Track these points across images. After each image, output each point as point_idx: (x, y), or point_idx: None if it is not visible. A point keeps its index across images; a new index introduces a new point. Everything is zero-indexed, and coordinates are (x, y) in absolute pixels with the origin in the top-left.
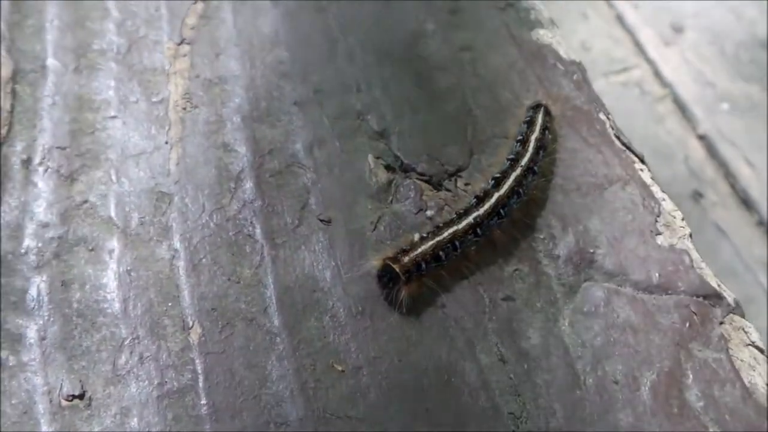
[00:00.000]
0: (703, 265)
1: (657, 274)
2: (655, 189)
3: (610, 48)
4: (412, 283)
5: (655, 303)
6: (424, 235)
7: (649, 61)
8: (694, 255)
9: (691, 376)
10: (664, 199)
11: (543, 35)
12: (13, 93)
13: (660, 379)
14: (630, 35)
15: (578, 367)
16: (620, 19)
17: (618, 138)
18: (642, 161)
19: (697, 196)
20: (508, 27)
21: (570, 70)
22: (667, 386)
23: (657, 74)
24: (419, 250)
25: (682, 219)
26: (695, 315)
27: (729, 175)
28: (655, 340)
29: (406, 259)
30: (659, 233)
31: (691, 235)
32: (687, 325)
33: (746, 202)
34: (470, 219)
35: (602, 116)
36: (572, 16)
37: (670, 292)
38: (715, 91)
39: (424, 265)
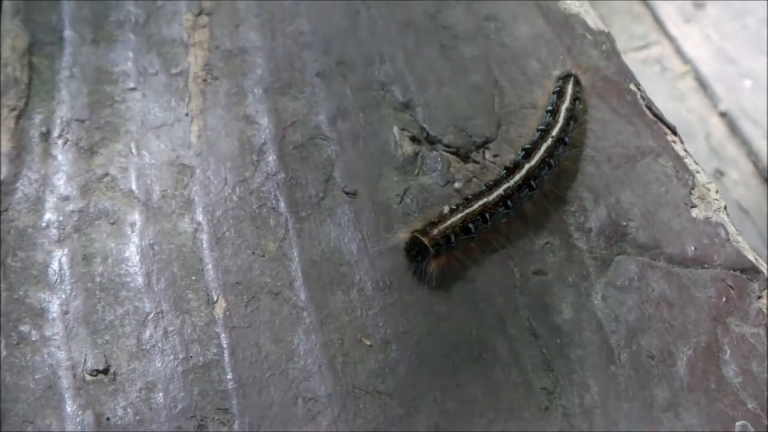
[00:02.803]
0: (739, 238)
1: (692, 248)
2: (689, 161)
3: (629, 24)
4: (441, 257)
5: (691, 277)
6: (453, 207)
7: (670, 38)
8: (730, 228)
9: (728, 351)
10: (698, 172)
11: (570, 5)
12: (30, 65)
13: (696, 354)
14: (650, 11)
15: (612, 342)
16: None
17: (649, 109)
18: (674, 132)
19: (719, 174)
20: None
21: (599, 40)
22: (704, 361)
23: (678, 51)
24: (448, 222)
25: (717, 191)
26: (732, 289)
27: (751, 153)
28: (691, 314)
29: (435, 231)
30: (694, 206)
31: (726, 208)
32: (724, 299)
33: None
34: (500, 191)
35: (633, 87)
36: None
37: (705, 265)
38: (737, 67)
39: (453, 238)
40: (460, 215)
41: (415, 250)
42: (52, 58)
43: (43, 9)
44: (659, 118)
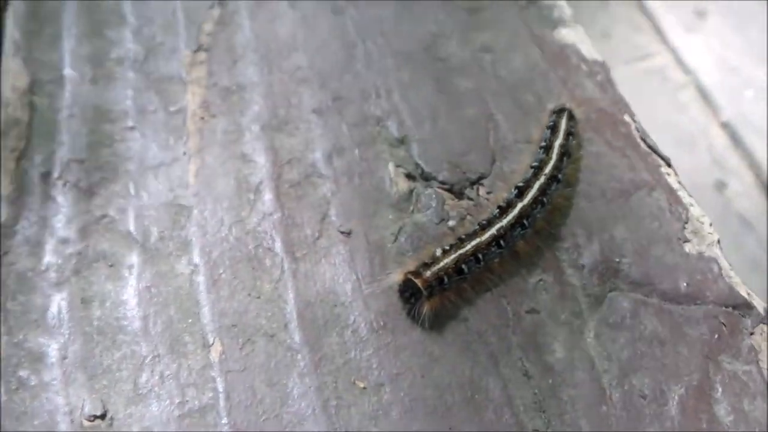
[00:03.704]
0: (732, 273)
1: (685, 284)
2: (683, 194)
3: (631, 35)
4: (434, 298)
5: (683, 314)
6: (446, 247)
7: (672, 48)
8: (723, 263)
9: (720, 389)
10: (691, 205)
11: (566, 35)
12: (31, 105)
13: (688, 392)
14: (651, 21)
15: (604, 381)
16: (642, 5)
17: (644, 140)
18: (668, 164)
19: (721, 185)
20: (530, 26)
21: (594, 71)
22: (695, 400)
23: (679, 61)
24: (441, 264)
25: (710, 225)
26: (724, 326)
27: (753, 164)
28: (683, 352)
29: (428, 273)
30: (687, 240)
31: (719, 242)
32: (716, 336)
33: None
34: (493, 230)
35: (627, 118)
36: (593, 3)
37: (698, 302)
38: (739, 77)
39: (446, 279)
40: (453, 256)
41: (409, 292)
42: (52, 97)
43: (44, 47)
44: (653, 149)
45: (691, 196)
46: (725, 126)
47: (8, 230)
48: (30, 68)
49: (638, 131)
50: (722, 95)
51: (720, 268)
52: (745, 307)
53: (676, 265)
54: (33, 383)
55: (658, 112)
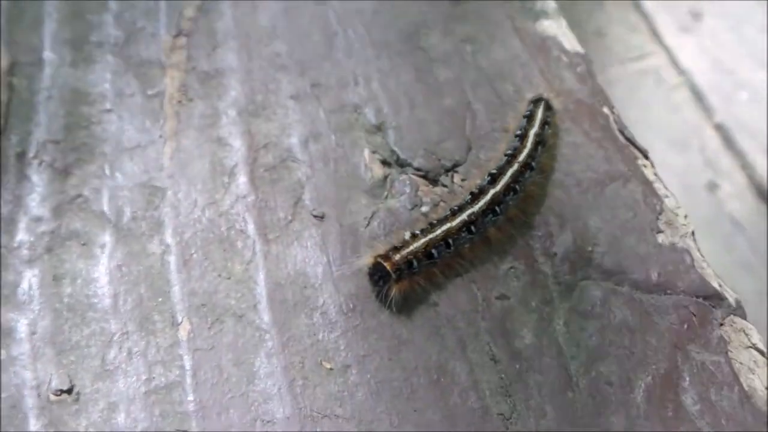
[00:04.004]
0: (704, 264)
1: (656, 274)
2: (658, 186)
3: (626, 35)
4: (403, 281)
5: (654, 303)
6: (417, 232)
7: (666, 49)
8: (696, 254)
9: (687, 378)
10: (667, 196)
11: (548, 27)
12: (10, 86)
13: (655, 381)
14: (647, 21)
15: (572, 368)
16: (637, 5)
17: (621, 132)
18: (645, 156)
19: (713, 186)
20: (512, 19)
21: (574, 62)
22: (662, 389)
23: (674, 62)
24: (411, 247)
25: (685, 217)
26: (694, 316)
27: (746, 166)
28: (651, 341)
29: (397, 257)
30: (660, 231)
31: (693, 233)
32: (685, 326)
33: (763, 194)
34: (464, 216)
35: (606, 110)
36: (588, 2)
37: (669, 292)
38: (733, 79)
39: (415, 263)
40: (422, 241)
41: (378, 275)
42: (31, 79)
43: (25, 30)
44: (631, 141)
45: (666, 188)
46: (718, 127)
47: None
48: (10, 50)
49: (616, 123)
50: (716, 97)
51: (692, 259)
52: (716, 298)
53: (648, 255)
54: (2, 357)
55: (652, 112)
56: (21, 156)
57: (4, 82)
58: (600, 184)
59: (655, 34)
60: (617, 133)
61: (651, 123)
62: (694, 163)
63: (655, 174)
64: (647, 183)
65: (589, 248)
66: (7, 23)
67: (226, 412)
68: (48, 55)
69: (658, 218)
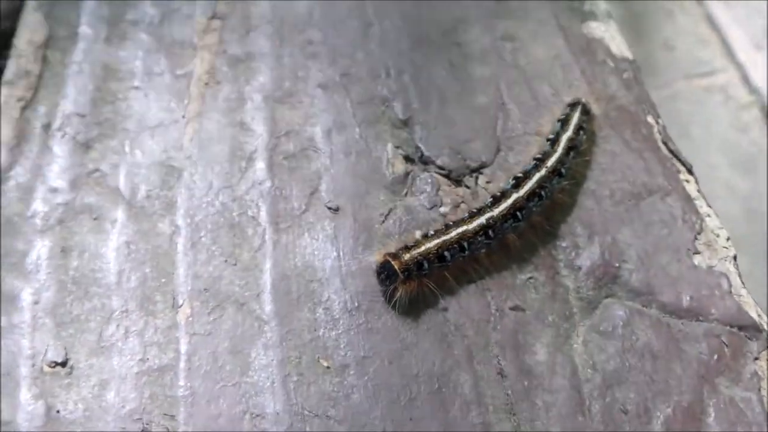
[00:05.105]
0: (743, 292)
1: (688, 297)
2: (700, 203)
3: (695, 48)
4: (411, 282)
5: (682, 329)
6: (431, 232)
7: (738, 65)
8: (735, 280)
9: (712, 414)
10: (708, 215)
11: (595, 28)
12: (44, 58)
13: (676, 413)
14: (719, 36)
15: (585, 390)
16: (709, 19)
17: (665, 144)
18: (690, 172)
19: None
20: (558, 17)
21: (620, 68)
22: (683, 422)
23: (745, 79)
24: (422, 248)
25: (728, 239)
26: (726, 346)
27: None
28: (676, 369)
29: (406, 256)
30: (697, 252)
31: (735, 258)
32: (715, 357)
33: None
34: (482, 220)
35: (650, 119)
36: (656, 13)
37: (700, 318)
38: None
39: (426, 265)
40: (435, 242)
41: (385, 274)
42: (65, 52)
43: (65, 5)
44: (675, 154)
45: (710, 206)
46: None
47: (3, 175)
48: (48, 23)
49: (661, 134)
50: None
51: (730, 285)
52: (753, 329)
53: (681, 276)
54: (2, 324)
55: (717, 131)
56: (46, 127)
57: (39, 55)
58: (635, 196)
59: (727, 50)
60: (660, 144)
61: (715, 142)
62: (759, 188)
63: (698, 191)
64: (688, 199)
65: (617, 264)
66: None
67: (215, 401)
68: (84, 29)
69: (696, 238)
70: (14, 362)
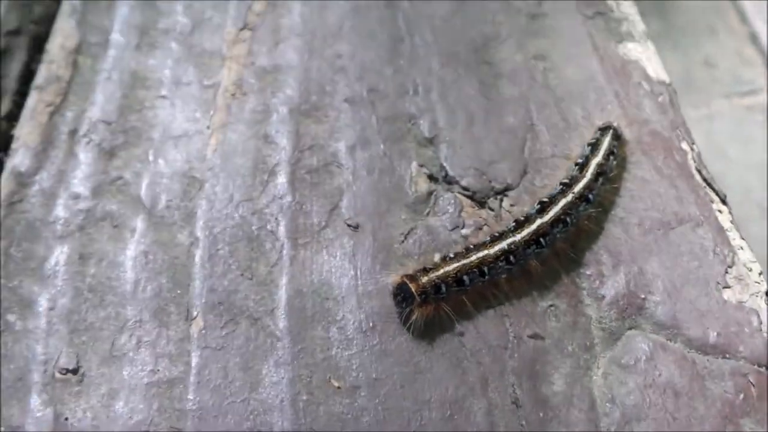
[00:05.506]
0: None
1: (715, 333)
2: (733, 235)
3: (736, 67)
4: (427, 306)
5: (707, 366)
6: (450, 255)
7: None
8: (765, 317)
9: None
10: (741, 248)
11: (632, 49)
12: (74, 64)
13: None
14: (762, 55)
15: (602, 425)
16: (754, 38)
17: (699, 172)
18: (723, 201)
19: None
20: (593, 38)
21: (656, 91)
22: None
23: None
24: (441, 271)
25: (760, 274)
26: (753, 386)
27: None
28: (699, 408)
29: (424, 279)
30: (728, 286)
31: (767, 294)
32: (741, 396)
33: None
34: (503, 245)
35: (685, 145)
36: (699, 29)
37: (727, 355)
38: None
39: (443, 288)
40: (454, 265)
41: (402, 296)
42: (95, 59)
43: (98, 13)
44: (709, 183)
45: (743, 239)
46: None
47: (28, 179)
48: (81, 29)
49: (695, 161)
50: None
51: (761, 322)
52: None
53: (710, 311)
54: (17, 328)
55: (756, 151)
56: (72, 133)
57: (70, 60)
58: (665, 225)
59: None
60: (694, 171)
61: (753, 163)
62: None
63: (731, 221)
64: (720, 230)
65: (643, 295)
66: (83, 5)
67: (223, 417)
68: (115, 37)
69: (727, 271)
70: (27, 367)
